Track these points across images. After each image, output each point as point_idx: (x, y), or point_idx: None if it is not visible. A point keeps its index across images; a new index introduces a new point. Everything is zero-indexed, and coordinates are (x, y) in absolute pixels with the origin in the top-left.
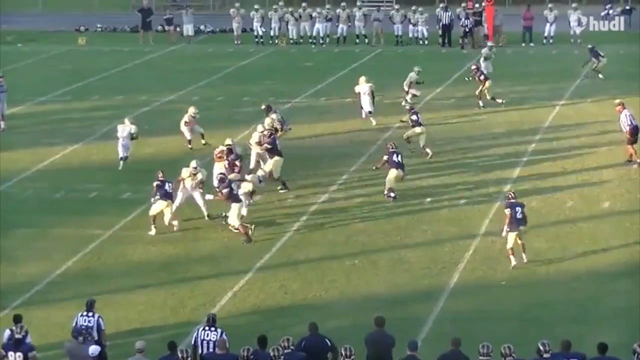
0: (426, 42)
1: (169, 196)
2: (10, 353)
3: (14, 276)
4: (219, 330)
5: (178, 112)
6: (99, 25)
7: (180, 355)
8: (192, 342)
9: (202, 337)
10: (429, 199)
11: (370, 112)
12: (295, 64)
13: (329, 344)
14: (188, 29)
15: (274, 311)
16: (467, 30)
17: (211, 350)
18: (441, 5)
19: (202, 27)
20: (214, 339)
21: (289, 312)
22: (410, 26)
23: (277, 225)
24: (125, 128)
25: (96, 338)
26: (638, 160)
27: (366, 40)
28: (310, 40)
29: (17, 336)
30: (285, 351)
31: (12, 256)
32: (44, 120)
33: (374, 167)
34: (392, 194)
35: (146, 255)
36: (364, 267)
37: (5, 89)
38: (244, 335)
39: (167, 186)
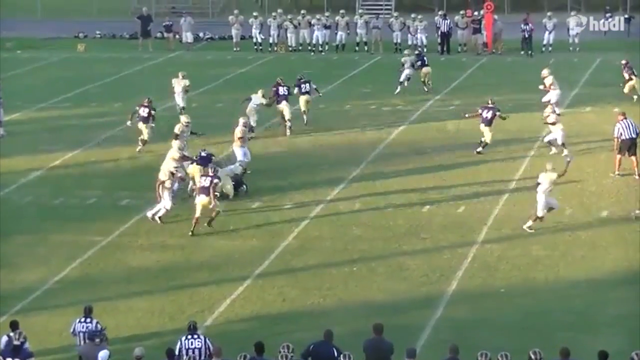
0: (425, 49)
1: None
2: (9, 359)
3: (13, 282)
4: (202, 337)
5: (177, 119)
6: (98, 32)
7: None
8: (177, 352)
9: (186, 346)
10: (427, 207)
11: None
12: (295, 71)
13: (335, 354)
14: (187, 36)
15: (272, 318)
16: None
17: (197, 357)
18: (440, 12)
19: (201, 34)
20: (198, 346)
21: (288, 319)
22: (409, 34)
23: (275, 232)
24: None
25: None
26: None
27: (365, 48)
28: (309, 48)
29: (15, 342)
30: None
31: (10, 262)
32: (43, 127)
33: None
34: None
35: (145, 262)
36: (363, 274)
37: (1, 95)
38: (242, 342)
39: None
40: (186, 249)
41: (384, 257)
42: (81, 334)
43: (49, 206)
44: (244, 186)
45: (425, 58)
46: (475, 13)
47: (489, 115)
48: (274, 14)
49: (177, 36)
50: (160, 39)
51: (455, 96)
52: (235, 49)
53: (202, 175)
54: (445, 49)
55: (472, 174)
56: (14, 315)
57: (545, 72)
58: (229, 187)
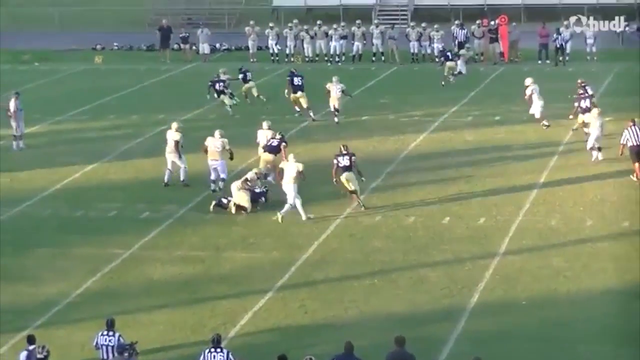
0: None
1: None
2: None
3: (35, 296)
4: (225, 351)
5: (195, 131)
6: (115, 44)
7: None
8: None
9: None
10: (447, 218)
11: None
12: (311, 81)
13: None
14: (204, 48)
15: (294, 331)
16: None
17: None
18: (456, 22)
19: (217, 45)
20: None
21: (309, 332)
22: (426, 43)
23: (296, 245)
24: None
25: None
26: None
27: (382, 58)
28: (326, 58)
29: (39, 356)
30: None
31: (32, 276)
32: (62, 140)
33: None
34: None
35: (166, 275)
36: (384, 287)
37: (21, 107)
38: (264, 355)
39: None
40: (207, 262)
41: (405, 269)
42: (104, 347)
43: (69, 219)
44: (263, 198)
45: (449, 53)
46: (492, 22)
47: (586, 103)
48: (289, 24)
49: (193, 47)
50: (176, 51)
51: (474, 106)
52: (251, 60)
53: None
54: None
55: (492, 184)
56: (35, 329)
57: (527, 81)
58: (246, 199)
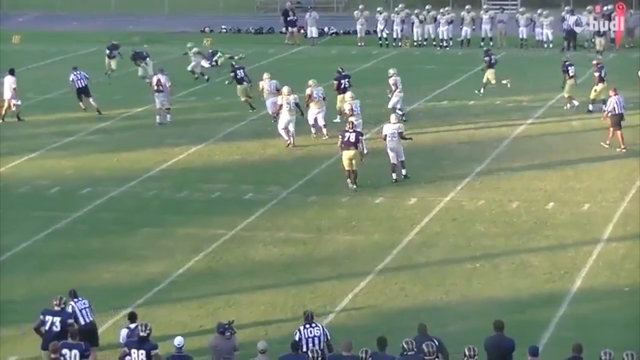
0: (550, 45)
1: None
2: (134, 350)
3: (137, 275)
4: (320, 326)
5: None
6: (223, 27)
7: (311, 355)
8: (297, 340)
9: (306, 335)
10: (551, 204)
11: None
12: (418, 66)
13: (436, 344)
14: (312, 31)
15: (394, 313)
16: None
17: (317, 346)
18: (566, 8)
19: (325, 29)
20: (317, 334)
21: (409, 315)
22: (536, 29)
23: (397, 228)
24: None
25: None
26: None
27: (491, 43)
28: (434, 43)
29: (142, 334)
30: (409, 353)
31: (135, 255)
32: (169, 121)
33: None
34: None
35: (267, 256)
36: (485, 271)
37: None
38: (364, 337)
39: None
40: (309, 244)
41: (507, 254)
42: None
43: (173, 199)
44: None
45: (492, 57)
46: (605, 8)
47: None
48: (396, 9)
49: (301, 31)
50: (283, 34)
51: (581, 93)
52: (359, 44)
53: (345, 131)
54: (571, 45)
55: (597, 171)
56: (137, 307)
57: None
58: None
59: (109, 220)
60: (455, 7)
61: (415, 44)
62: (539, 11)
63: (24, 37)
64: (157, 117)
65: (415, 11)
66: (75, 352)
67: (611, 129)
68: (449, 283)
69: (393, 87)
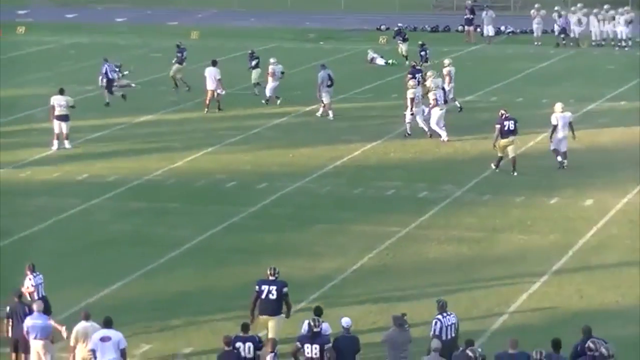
0: None
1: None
2: (307, 345)
3: (312, 270)
4: (453, 313)
5: (478, 112)
6: (399, 25)
7: (535, 357)
8: (439, 329)
9: (445, 324)
10: None
11: None
12: (597, 66)
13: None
14: (488, 30)
15: (569, 315)
16: None
17: (453, 334)
18: None
19: (502, 28)
20: (454, 322)
21: (584, 317)
22: None
23: (573, 229)
24: None
25: None
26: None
27: None
28: (613, 43)
29: (315, 329)
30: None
31: (310, 251)
32: (344, 117)
33: None
34: None
35: (441, 255)
36: None
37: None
38: (538, 338)
39: None
40: (482, 243)
41: None
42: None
43: (348, 196)
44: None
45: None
46: None
47: None
48: (572, 8)
49: (478, 30)
50: (460, 33)
51: None
52: (536, 43)
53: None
54: None
55: None
56: (311, 302)
57: None
58: None
59: (284, 216)
60: (635, 7)
61: (593, 43)
62: None
63: (202, 33)
64: (330, 112)
65: (594, 10)
66: (249, 344)
67: None
68: (625, 286)
69: (447, 78)
